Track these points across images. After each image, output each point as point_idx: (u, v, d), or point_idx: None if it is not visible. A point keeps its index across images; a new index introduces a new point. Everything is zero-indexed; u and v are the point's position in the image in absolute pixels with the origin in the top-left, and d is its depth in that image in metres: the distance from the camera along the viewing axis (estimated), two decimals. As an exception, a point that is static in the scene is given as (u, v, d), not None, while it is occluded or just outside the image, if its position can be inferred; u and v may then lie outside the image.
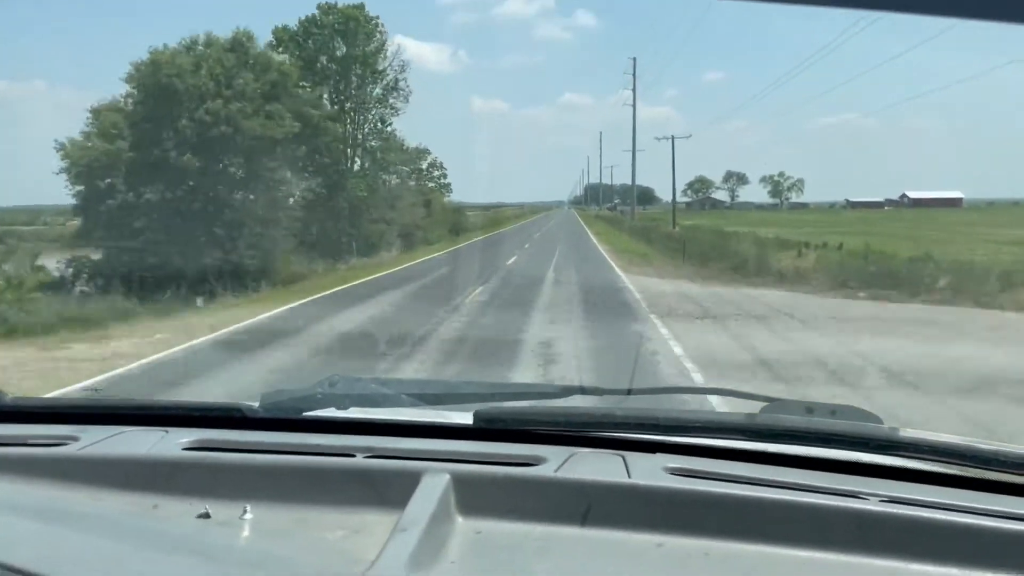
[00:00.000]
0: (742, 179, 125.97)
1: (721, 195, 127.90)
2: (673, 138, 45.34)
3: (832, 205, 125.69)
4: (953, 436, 1.44)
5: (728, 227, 37.22)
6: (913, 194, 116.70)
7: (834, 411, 1.49)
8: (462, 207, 58.98)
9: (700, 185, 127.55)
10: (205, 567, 1.11)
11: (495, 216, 69.24)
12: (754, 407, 1.54)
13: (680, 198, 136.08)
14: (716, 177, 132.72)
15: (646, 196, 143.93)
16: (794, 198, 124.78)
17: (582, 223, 69.90)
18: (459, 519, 1.27)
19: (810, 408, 1.50)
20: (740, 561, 1.16)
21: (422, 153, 50.92)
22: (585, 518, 1.26)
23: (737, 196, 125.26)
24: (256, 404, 1.61)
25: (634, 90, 63.02)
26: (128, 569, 1.10)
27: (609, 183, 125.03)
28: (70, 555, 1.12)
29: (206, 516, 1.29)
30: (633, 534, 1.22)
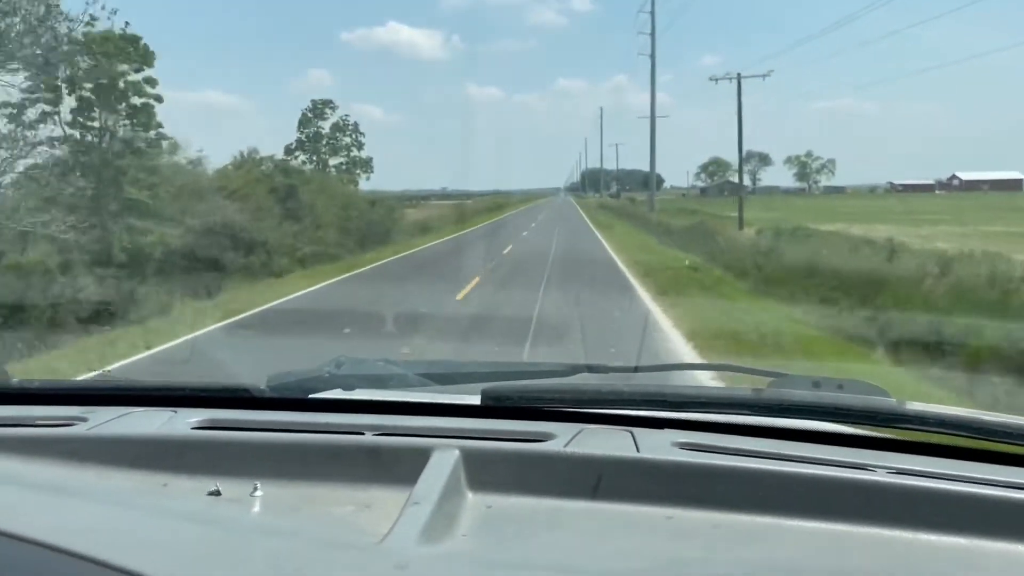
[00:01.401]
0: (765, 160, 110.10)
1: (737, 178, 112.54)
2: (739, 77, 29.19)
3: (873, 189, 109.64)
4: (959, 408, 1.48)
5: (797, 221, 27.19)
6: (965, 175, 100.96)
7: (841, 385, 1.52)
8: (406, 198, 45.89)
9: (716, 168, 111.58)
10: (219, 537, 1.13)
11: (464, 210, 53.96)
12: (761, 382, 1.58)
13: (693, 183, 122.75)
14: (734, 158, 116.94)
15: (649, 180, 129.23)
16: (824, 181, 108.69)
17: (583, 216, 56.50)
18: (469, 494, 1.29)
19: (817, 383, 1.53)
20: (748, 533, 1.19)
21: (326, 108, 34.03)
22: (595, 492, 1.28)
23: (759, 180, 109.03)
24: (263, 385, 1.63)
25: (652, 34, 47.09)
26: (140, 538, 1.11)
27: (611, 167, 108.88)
28: (81, 526, 1.13)
29: (216, 493, 1.30)
30: (642, 507, 1.25)
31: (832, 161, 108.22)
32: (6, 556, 1.03)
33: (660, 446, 1.37)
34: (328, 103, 41.45)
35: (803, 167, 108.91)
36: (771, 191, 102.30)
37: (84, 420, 1.56)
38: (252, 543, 1.13)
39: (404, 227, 31.86)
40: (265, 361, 5.94)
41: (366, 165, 39.29)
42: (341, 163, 39.20)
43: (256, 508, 1.27)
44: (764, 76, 29.33)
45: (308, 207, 21.67)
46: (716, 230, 24.55)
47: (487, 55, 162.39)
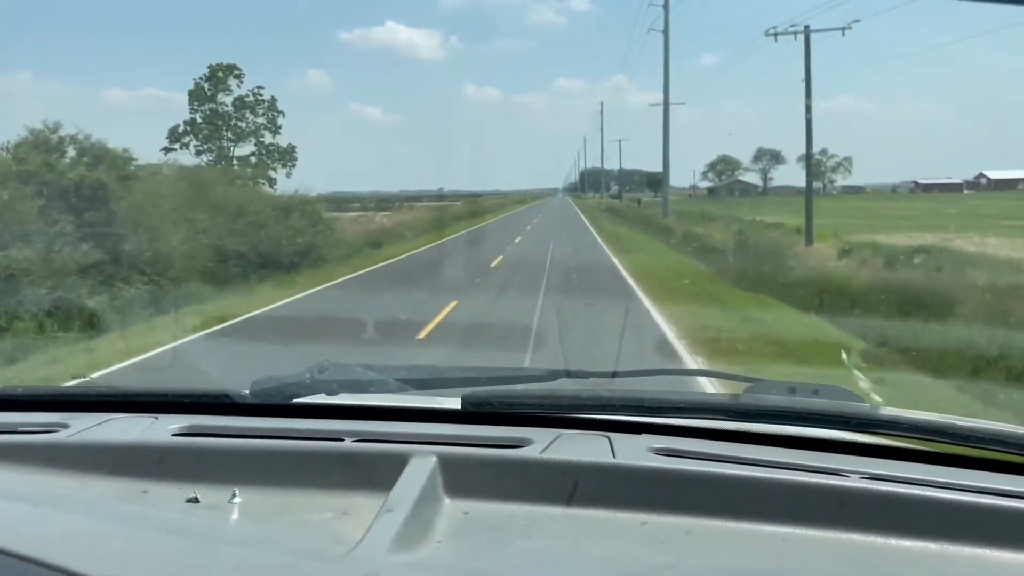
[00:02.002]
0: (777, 158, 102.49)
1: (750, 177, 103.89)
2: (808, 31, 21.88)
3: (895, 188, 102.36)
4: (931, 414, 1.48)
5: (855, 230, 22.59)
6: (993, 174, 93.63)
7: (816, 391, 1.53)
8: (339, 199, 37.44)
9: (724, 166, 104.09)
10: (193, 547, 1.14)
11: (446, 214, 46.08)
12: (738, 388, 1.59)
13: (697, 183, 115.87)
14: (743, 156, 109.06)
15: (656, 181, 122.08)
16: (840, 180, 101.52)
17: (585, 223, 47.98)
18: (446, 500, 1.30)
19: (792, 388, 1.55)
20: (722, 538, 1.21)
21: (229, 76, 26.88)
22: (571, 498, 1.30)
23: (771, 179, 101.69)
24: (246, 391, 1.63)
25: (666, 6, 39.80)
26: (116, 549, 1.12)
27: (611, 166, 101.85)
28: (57, 536, 1.14)
29: (195, 500, 1.30)
30: (617, 513, 1.27)
31: (848, 159, 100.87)
32: None
33: (636, 452, 1.40)
34: (232, 69, 29.11)
35: (817, 165, 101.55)
36: (784, 191, 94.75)
37: (66, 427, 1.57)
38: (226, 553, 1.14)
39: (346, 241, 23.80)
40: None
41: (286, 156, 29.02)
42: (251, 153, 29.22)
43: (234, 516, 1.28)
44: (844, 30, 21.47)
45: (132, 218, 13.64)
46: (777, 247, 16.96)
47: (486, 55, 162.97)
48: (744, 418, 1.51)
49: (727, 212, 37.37)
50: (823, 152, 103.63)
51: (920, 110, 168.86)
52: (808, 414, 1.47)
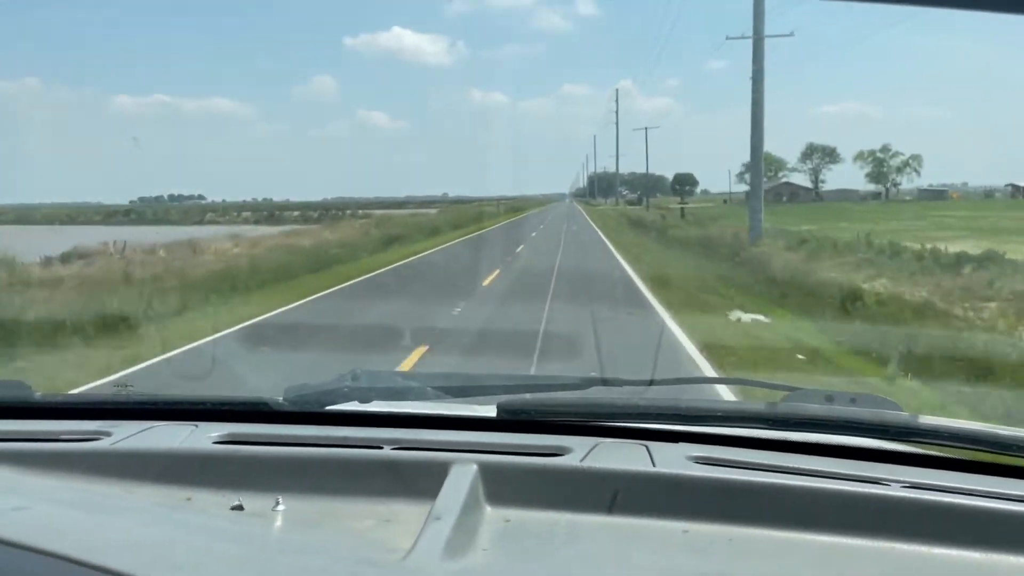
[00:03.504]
0: (831, 156, 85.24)
1: (797, 179, 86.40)
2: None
3: (990, 193, 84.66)
4: (972, 422, 1.52)
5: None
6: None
7: (854, 399, 1.55)
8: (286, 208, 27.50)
9: (767, 165, 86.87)
10: (247, 554, 1.15)
11: (382, 232, 33.03)
12: (775, 396, 1.61)
13: (734, 186, 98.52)
14: (790, 155, 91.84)
15: (685, 181, 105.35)
16: (904, 183, 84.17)
17: (609, 248, 28.74)
18: (488, 508, 1.33)
19: (830, 396, 1.55)
20: (763, 546, 1.22)
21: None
22: (611, 506, 1.32)
23: (823, 181, 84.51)
24: (281, 398, 1.67)
25: None
26: (168, 555, 1.13)
27: (622, 169, 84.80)
28: (110, 542, 1.15)
29: (239, 508, 1.34)
30: (658, 521, 1.28)
31: (917, 157, 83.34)
32: (38, 573, 1.05)
33: (675, 460, 1.41)
34: None
35: (879, 165, 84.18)
36: (843, 196, 77.24)
37: (108, 435, 1.61)
38: (278, 560, 1.15)
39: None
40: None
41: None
42: None
43: (279, 523, 1.31)
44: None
45: None
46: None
47: (492, 60, 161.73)
48: (782, 426, 1.53)
49: (827, 227, 28.42)
50: (884, 149, 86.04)
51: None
52: (846, 423, 1.49)
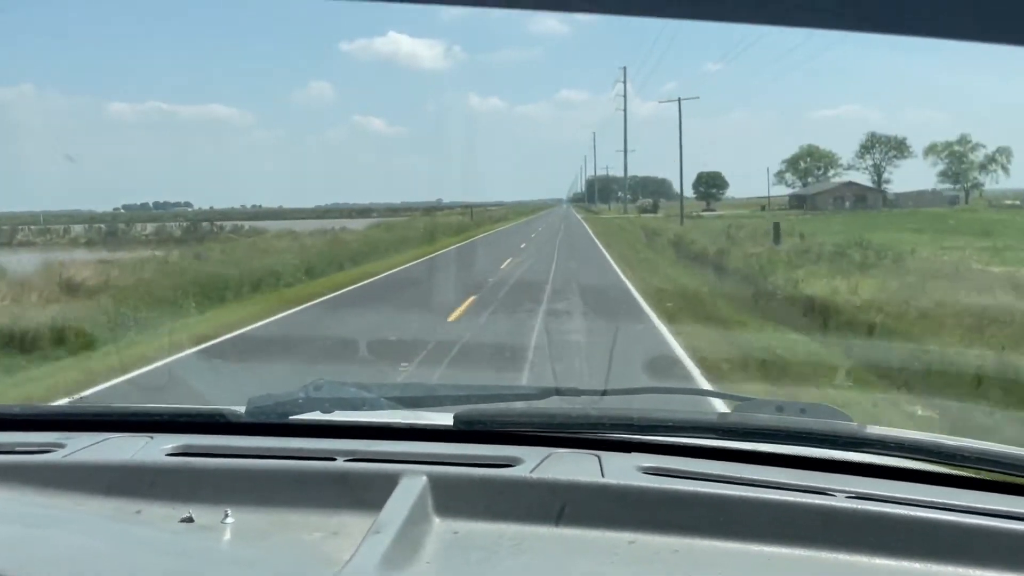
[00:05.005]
0: (901, 149, 67.84)
1: (853, 176, 68.64)
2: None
3: None
4: (918, 432, 1.61)
5: None
6: None
7: (804, 409, 1.63)
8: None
9: (813, 161, 68.89)
10: (186, 568, 1.22)
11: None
12: (728, 405, 1.84)
13: (773, 188, 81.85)
14: (842, 150, 73.92)
15: (714, 183, 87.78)
16: (988, 183, 66.83)
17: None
18: (436, 520, 1.39)
19: (780, 407, 1.64)
20: (708, 557, 1.29)
21: None
22: (559, 517, 1.38)
23: (887, 181, 66.77)
24: (242, 409, 1.77)
25: None
26: (109, 570, 1.19)
27: (618, 173, 70.38)
28: (51, 558, 1.22)
29: (189, 520, 1.40)
30: (606, 532, 1.35)
31: (1005, 151, 66.28)
32: None
33: (625, 471, 1.49)
34: None
35: (957, 161, 66.15)
36: (919, 198, 59.21)
37: (61, 447, 1.68)
38: (219, 573, 1.22)
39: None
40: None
41: None
42: None
43: (227, 535, 1.36)
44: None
45: None
46: None
47: (489, 65, 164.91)
48: (733, 436, 1.62)
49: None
50: (963, 141, 69.09)
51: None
52: (796, 432, 1.57)
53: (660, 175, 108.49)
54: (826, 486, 1.40)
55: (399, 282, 20.69)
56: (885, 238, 23.36)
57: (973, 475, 1.47)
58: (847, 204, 64.57)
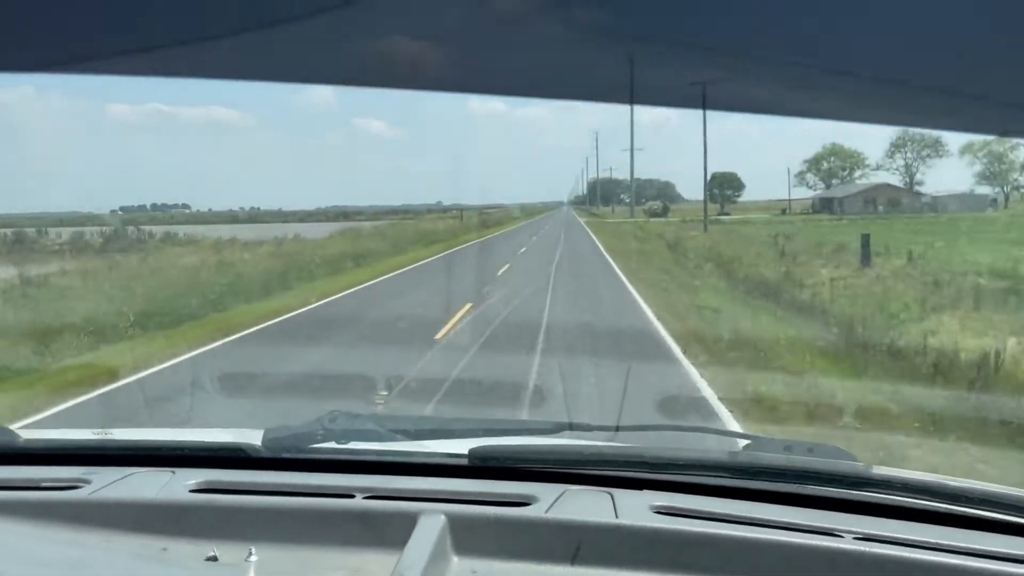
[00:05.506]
0: (935, 147, 61.85)
1: (882, 177, 63.23)
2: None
3: None
4: (923, 473, 1.64)
5: None
6: None
7: (811, 448, 1.66)
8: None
9: (838, 163, 63.23)
10: None
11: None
12: (737, 445, 1.76)
13: (793, 190, 75.10)
14: (870, 149, 68.29)
15: (724, 185, 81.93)
16: (1028, 185, 61.39)
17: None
18: (455, 559, 1.41)
19: (788, 446, 1.67)
20: None
21: None
22: (575, 557, 1.40)
23: (919, 183, 61.13)
24: (259, 442, 1.79)
25: None
26: None
27: (621, 175, 72.16)
28: None
29: (214, 559, 1.41)
30: (620, 572, 1.38)
31: (1050, 146, 59.76)
32: None
33: (638, 510, 1.51)
34: None
35: (996, 161, 60.74)
36: (962, 201, 53.62)
37: (88, 482, 1.70)
38: None
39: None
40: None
41: None
42: None
43: (251, 574, 1.35)
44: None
45: None
46: None
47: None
48: (742, 475, 1.62)
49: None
50: (1002, 139, 62.12)
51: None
52: (803, 472, 1.58)
53: (663, 178, 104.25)
54: (833, 526, 1.47)
55: (259, 353, 11.49)
56: (995, 257, 17.25)
57: (977, 515, 1.50)
58: (880, 208, 58.63)
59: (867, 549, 1.33)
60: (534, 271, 21.22)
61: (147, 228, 33.09)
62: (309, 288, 19.09)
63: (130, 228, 31.49)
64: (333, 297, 17.57)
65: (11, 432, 1.90)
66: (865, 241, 19.88)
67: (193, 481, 1.63)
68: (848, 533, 1.39)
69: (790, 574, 1.30)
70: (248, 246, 27.03)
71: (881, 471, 1.51)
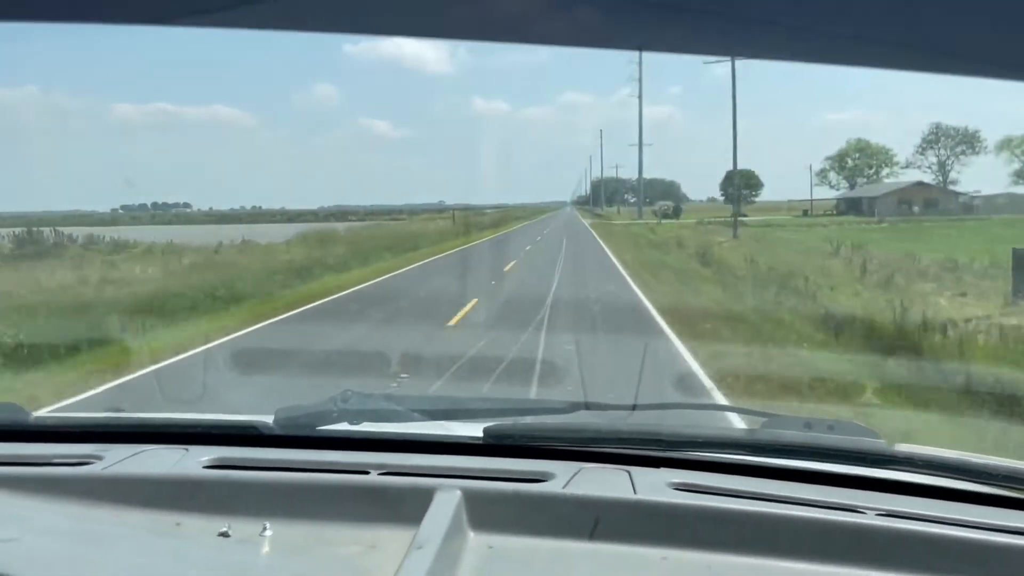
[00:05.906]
0: (971, 143, 56.79)
1: (912, 175, 58.29)
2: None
3: None
4: (945, 450, 1.59)
5: None
6: None
7: (832, 426, 1.63)
8: None
9: (863, 160, 58.17)
10: None
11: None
12: (755, 422, 1.73)
13: (814, 190, 69.46)
14: (900, 145, 64.14)
15: (752, 182, 77.16)
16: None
17: None
18: (471, 534, 1.41)
19: (808, 423, 1.64)
20: (741, 573, 1.31)
21: None
22: (592, 533, 1.40)
23: (952, 182, 56.30)
24: (271, 420, 1.79)
25: None
26: None
27: (626, 175, 79.20)
28: (97, 574, 1.22)
29: (226, 534, 1.42)
30: (639, 548, 1.37)
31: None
32: None
33: (656, 487, 1.50)
34: None
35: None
36: (1013, 202, 49.01)
37: (99, 459, 1.68)
38: None
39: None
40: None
41: None
42: None
43: (265, 549, 1.36)
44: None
45: None
46: None
47: (494, 68, 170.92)
48: (761, 453, 1.60)
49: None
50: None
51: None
52: (823, 449, 1.56)
53: (667, 177, 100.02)
54: (855, 503, 1.44)
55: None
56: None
57: (1000, 492, 1.49)
58: (915, 209, 53.43)
59: (890, 524, 1.34)
60: (523, 305, 13.00)
61: (68, 231, 28.26)
62: (159, 338, 11.14)
63: (45, 231, 26.60)
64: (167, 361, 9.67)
65: (21, 409, 1.88)
66: (1020, 262, 13.32)
67: (206, 458, 1.65)
68: (870, 510, 1.39)
69: (813, 549, 1.30)
70: (172, 254, 22.40)
71: (904, 448, 1.51)
